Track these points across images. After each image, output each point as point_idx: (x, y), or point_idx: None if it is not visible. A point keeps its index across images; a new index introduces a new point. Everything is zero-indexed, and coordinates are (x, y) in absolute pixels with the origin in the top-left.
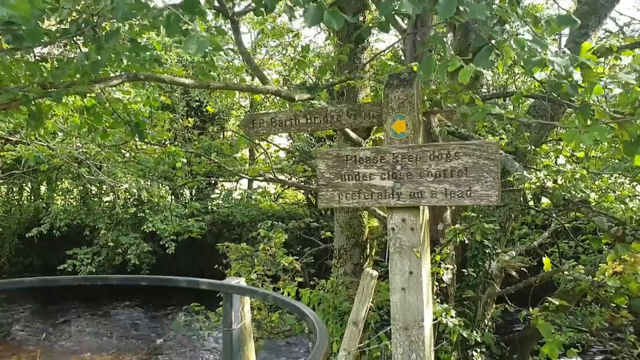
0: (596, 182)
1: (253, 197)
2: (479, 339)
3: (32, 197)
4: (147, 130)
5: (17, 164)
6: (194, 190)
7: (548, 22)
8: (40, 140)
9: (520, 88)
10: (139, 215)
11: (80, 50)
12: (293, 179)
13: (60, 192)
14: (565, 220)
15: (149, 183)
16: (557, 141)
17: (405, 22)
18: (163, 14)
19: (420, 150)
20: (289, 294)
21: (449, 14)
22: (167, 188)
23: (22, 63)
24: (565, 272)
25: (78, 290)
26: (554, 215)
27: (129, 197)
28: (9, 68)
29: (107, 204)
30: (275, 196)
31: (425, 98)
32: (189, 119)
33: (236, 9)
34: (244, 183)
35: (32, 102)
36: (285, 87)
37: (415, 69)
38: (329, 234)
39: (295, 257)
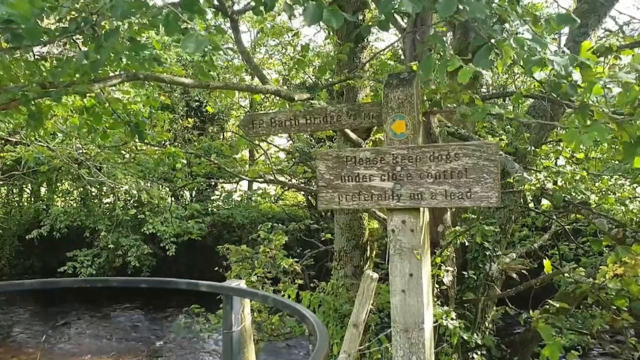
0: (596, 184)
1: (253, 198)
2: (479, 342)
3: (32, 199)
4: (146, 130)
5: (17, 165)
6: (194, 192)
7: (547, 21)
8: (40, 141)
9: (520, 88)
10: (139, 217)
11: (80, 49)
12: (293, 181)
13: (61, 194)
14: (565, 222)
15: (149, 184)
16: (557, 142)
17: (405, 20)
18: (162, 13)
19: (420, 151)
20: (289, 297)
21: (449, 13)
22: (167, 189)
23: (21, 62)
24: (566, 275)
25: (78, 292)
26: (554, 217)
27: (129, 198)
28: (8, 67)
29: (107, 205)
30: (276, 198)
31: (425, 98)
32: (189, 119)
33: (235, 7)
34: (244, 184)
35: (32, 102)
36: (285, 87)
37: (414, 68)
38: (329, 235)
39: (296, 259)
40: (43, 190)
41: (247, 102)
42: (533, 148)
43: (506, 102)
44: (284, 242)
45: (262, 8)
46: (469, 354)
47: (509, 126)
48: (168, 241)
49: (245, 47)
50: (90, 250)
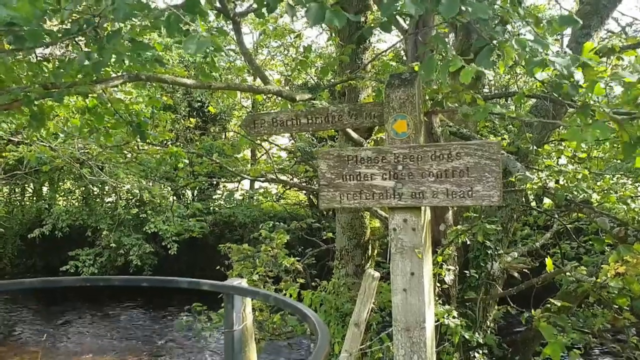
0: (598, 183)
1: (255, 197)
2: (481, 341)
3: (34, 198)
4: (148, 130)
5: (19, 165)
6: (195, 191)
7: (550, 23)
8: (42, 141)
9: (522, 88)
10: (141, 216)
11: (82, 50)
12: (295, 180)
13: (63, 193)
14: (567, 221)
15: (150, 184)
16: (559, 141)
17: (407, 22)
18: (164, 15)
19: (422, 150)
20: (290, 295)
21: (452, 14)
22: (169, 189)
23: (24, 63)
24: (567, 274)
25: (80, 291)
26: (556, 216)
27: (131, 197)
28: (10, 69)
29: (109, 204)
30: (277, 197)
31: (427, 98)
32: (191, 119)
33: (238, 9)
34: (245, 184)
35: (34, 103)
36: (287, 88)
37: (416, 68)
38: (330, 234)
39: (297, 258)
40: (45, 189)
41: (249, 103)
42: (535, 147)
43: (508, 102)
44: (285, 241)
45: (264, 10)
46: (470, 352)
47: (511, 126)
48: (170, 240)
49: (247, 49)
50: (92, 250)
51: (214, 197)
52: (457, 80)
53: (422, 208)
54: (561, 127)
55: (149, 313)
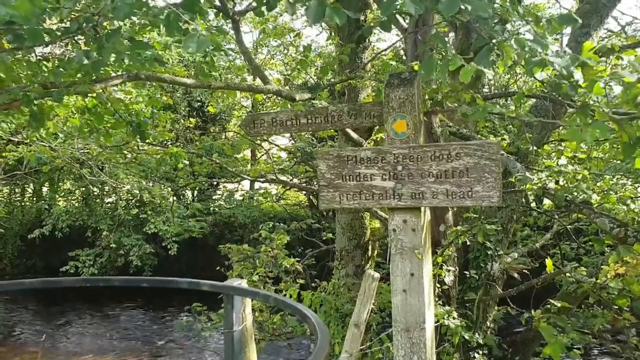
0: (598, 183)
1: (255, 198)
2: (480, 341)
3: (34, 199)
4: (148, 130)
5: (19, 165)
6: (195, 192)
7: (549, 21)
8: (42, 141)
9: (522, 88)
10: (141, 216)
11: (81, 49)
12: (295, 180)
13: (62, 193)
14: (567, 222)
15: (150, 184)
16: (559, 142)
17: (407, 21)
18: (163, 13)
19: (422, 150)
20: (290, 296)
21: (452, 12)
22: (169, 189)
23: (23, 63)
24: (567, 274)
25: (80, 291)
26: (556, 216)
27: (131, 198)
28: (10, 68)
29: (109, 205)
30: (277, 197)
31: (427, 97)
32: (191, 119)
33: (237, 8)
34: (245, 184)
35: (34, 103)
36: (287, 87)
37: (416, 68)
38: (330, 235)
39: (297, 259)
40: (45, 190)
41: (248, 103)
42: (535, 148)
43: (508, 102)
44: (285, 242)
45: (263, 8)
46: (470, 353)
47: (510, 126)
48: (170, 241)
49: (246, 48)
50: (92, 250)
51: (214, 197)
52: (457, 79)
53: (422, 209)
54: (561, 128)
55: (149, 313)
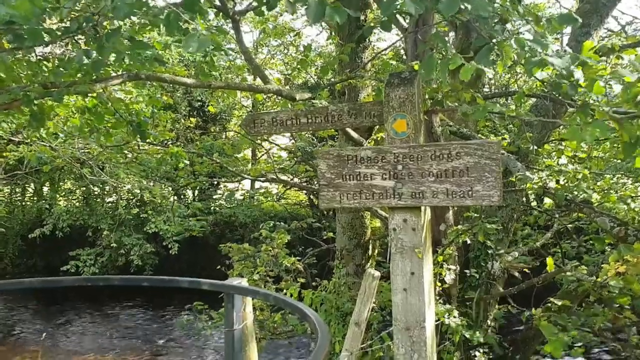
0: (598, 183)
1: (255, 197)
2: (481, 340)
3: (35, 198)
4: (149, 130)
5: (19, 165)
6: (196, 191)
7: (549, 21)
8: (42, 141)
9: (523, 87)
10: (141, 216)
11: (81, 49)
12: (295, 179)
13: (63, 193)
14: (567, 221)
15: (151, 184)
16: (560, 141)
17: (407, 20)
18: (163, 13)
19: (422, 150)
20: (291, 295)
21: (452, 12)
22: (170, 189)
23: (23, 63)
24: (568, 273)
25: (80, 290)
26: (557, 215)
27: (131, 197)
28: (10, 68)
29: (110, 204)
30: (278, 197)
31: (427, 97)
32: (191, 118)
33: (237, 8)
34: (246, 183)
35: (34, 102)
36: (287, 87)
37: (416, 67)
38: (331, 234)
39: (298, 258)
40: (46, 189)
41: (249, 102)
42: (535, 147)
43: (509, 101)
44: (286, 241)
45: (263, 8)
46: (470, 352)
47: (511, 125)
48: (171, 240)
49: (246, 47)
50: (93, 249)
51: (214, 197)
52: (457, 79)
53: (422, 208)
54: (561, 127)
55: (150, 312)
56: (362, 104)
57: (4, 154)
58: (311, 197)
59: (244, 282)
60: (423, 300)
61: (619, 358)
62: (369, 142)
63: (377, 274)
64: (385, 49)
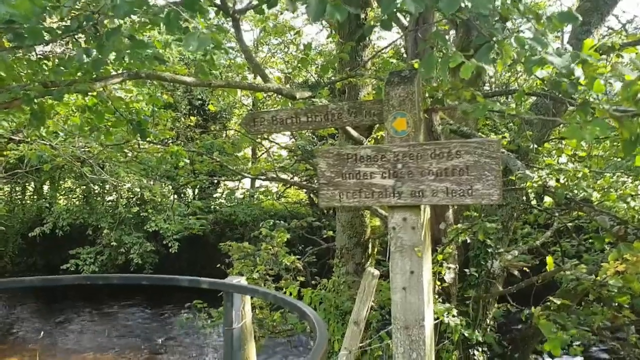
0: (598, 181)
1: (255, 196)
2: (480, 339)
3: (35, 197)
4: (149, 129)
5: (20, 164)
6: (196, 190)
7: (549, 19)
8: (42, 140)
9: (523, 86)
10: (141, 214)
11: (82, 47)
12: (295, 178)
13: (63, 192)
14: (567, 220)
15: (151, 182)
16: (560, 140)
17: (407, 19)
18: (163, 12)
19: (421, 148)
20: (290, 294)
21: (453, 10)
22: (170, 187)
23: (24, 61)
24: (567, 272)
25: (80, 289)
26: (556, 214)
27: (131, 196)
28: (10, 67)
29: (110, 203)
30: (278, 195)
31: (427, 95)
32: (192, 117)
33: (237, 6)
34: (246, 182)
35: (34, 101)
36: (288, 85)
37: (416, 66)
38: (331, 233)
39: (298, 257)
40: (46, 188)
41: (249, 101)
42: (535, 146)
43: (509, 100)
44: (286, 240)
45: (264, 6)
46: (470, 350)
47: (511, 124)
48: (171, 239)
49: (247, 46)
50: (93, 248)
51: (214, 195)
52: (457, 77)
53: (422, 206)
54: (561, 125)
55: (149, 311)
56: (362, 102)
57: (5, 153)
58: (311, 195)
59: (243, 281)
60: (422, 299)
61: (617, 357)
62: (369, 141)
63: (377, 272)
64: (386, 47)
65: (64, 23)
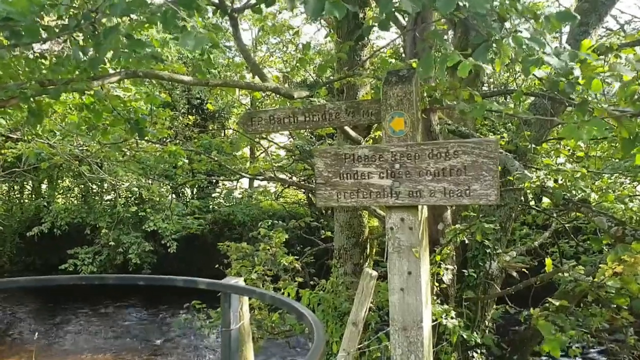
0: (596, 182)
1: (254, 196)
2: (479, 340)
3: (33, 196)
4: (147, 128)
5: (18, 162)
6: (194, 189)
7: (547, 19)
8: (40, 138)
9: (521, 86)
10: (140, 214)
11: (79, 45)
12: (293, 178)
13: (61, 191)
14: (565, 220)
15: (149, 182)
16: (558, 140)
17: (406, 18)
18: (161, 10)
19: (419, 148)
20: (288, 294)
21: (450, 9)
22: (168, 187)
23: (21, 60)
24: (566, 273)
25: (76, 289)
26: (555, 215)
27: (130, 195)
28: (7, 65)
29: (108, 202)
30: (276, 195)
31: (425, 95)
32: (190, 116)
33: (235, 5)
34: (244, 182)
35: (32, 99)
36: (286, 85)
37: (414, 65)
38: (329, 233)
39: (296, 257)
40: (44, 187)
41: (248, 100)
42: (533, 146)
43: (507, 100)
44: (284, 240)
45: (262, 5)
46: (468, 352)
47: (510, 124)
48: (169, 238)
49: (244, 45)
50: (91, 248)
51: (213, 195)
52: (456, 77)
53: (419, 207)
54: (559, 126)
55: (146, 311)
56: (360, 102)
57: (2, 152)
58: (309, 195)
59: (240, 281)
60: (420, 300)
61: (615, 359)
62: (367, 141)
63: (375, 273)
64: (384, 47)
65: (61, 21)
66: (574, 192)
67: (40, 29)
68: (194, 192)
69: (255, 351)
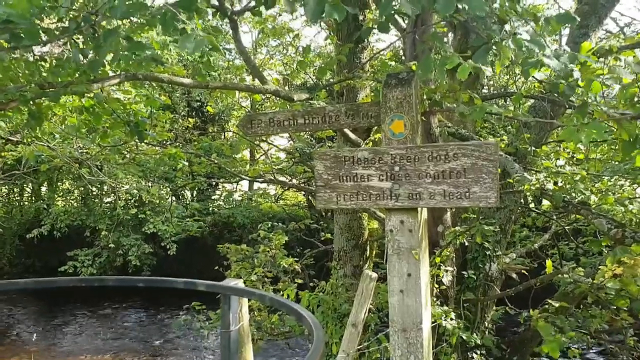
0: (596, 184)
1: (253, 198)
2: (478, 341)
3: (33, 198)
4: (147, 130)
5: (17, 165)
6: (194, 192)
7: (547, 21)
8: (40, 141)
9: (521, 89)
10: (139, 216)
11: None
12: (293, 180)
13: (61, 193)
14: (565, 223)
15: (149, 184)
16: (558, 143)
17: (406, 21)
18: (160, 13)
19: (419, 151)
20: (288, 296)
21: (449, 11)
22: (168, 189)
23: (21, 62)
24: (565, 275)
25: (76, 291)
26: (554, 217)
27: (129, 198)
28: (7, 68)
29: (108, 205)
30: (276, 197)
31: (425, 97)
32: (190, 119)
33: (235, 7)
34: (244, 184)
35: (32, 102)
36: (286, 87)
37: (414, 68)
38: (329, 235)
39: (296, 259)
40: (44, 189)
41: (248, 103)
42: (533, 148)
43: (507, 102)
44: (284, 242)
45: (261, 8)
46: (468, 353)
47: (509, 126)
48: (169, 240)
49: (244, 47)
50: (91, 250)
51: (212, 197)
52: (455, 80)
53: (419, 209)
54: (559, 128)
55: (146, 313)
56: (360, 104)
57: (2, 154)
58: (309, 198)
59: (240, 283)
60: (420, 302)
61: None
62: (366, 143)
63: (374, 275)
64: (384, 49)
65: (61, 24)
66: (573, 194)
67: (40, 32)
68: (194, 195)
69: (255, 352)
